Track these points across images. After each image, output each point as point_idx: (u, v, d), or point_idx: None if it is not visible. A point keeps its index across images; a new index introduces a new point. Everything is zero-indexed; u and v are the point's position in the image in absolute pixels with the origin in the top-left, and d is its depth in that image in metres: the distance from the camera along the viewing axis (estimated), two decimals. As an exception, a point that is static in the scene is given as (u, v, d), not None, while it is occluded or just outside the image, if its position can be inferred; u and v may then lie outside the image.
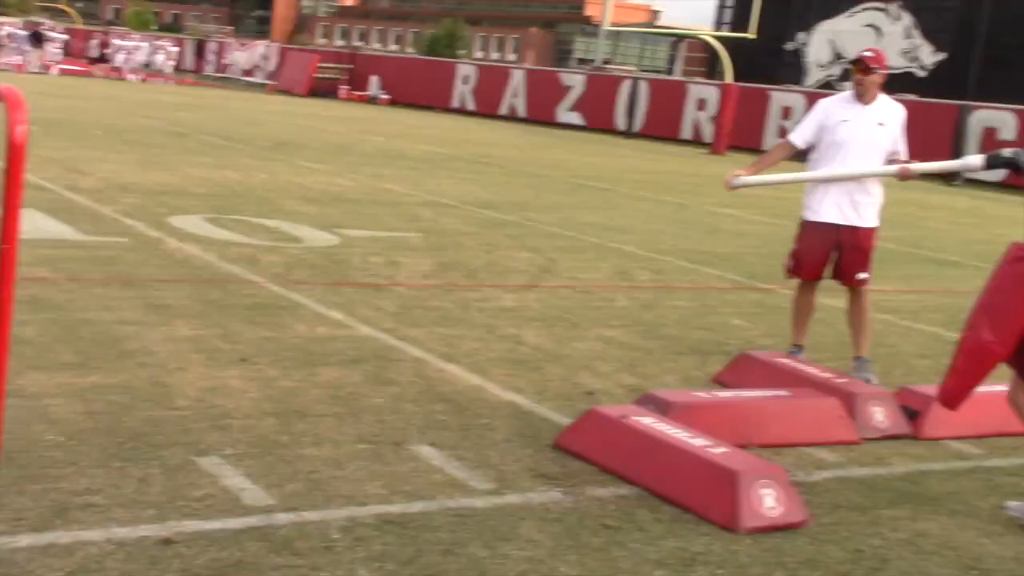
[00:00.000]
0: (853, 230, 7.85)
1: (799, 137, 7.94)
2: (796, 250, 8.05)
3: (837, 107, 7.92)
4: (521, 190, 18.55)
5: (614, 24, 54.69)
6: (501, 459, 5.62)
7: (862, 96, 7.83)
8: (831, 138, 7.80)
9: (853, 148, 7.76)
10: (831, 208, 7.83)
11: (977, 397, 7.07)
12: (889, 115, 7.89)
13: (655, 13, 76.14)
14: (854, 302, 8.01)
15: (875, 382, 7.58)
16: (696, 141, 38.31)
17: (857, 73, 7.81)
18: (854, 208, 7.84)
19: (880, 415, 6.71)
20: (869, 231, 7.91)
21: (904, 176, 7.82)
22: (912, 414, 6.83)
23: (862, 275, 7.91)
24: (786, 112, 36.57)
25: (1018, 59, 43.32)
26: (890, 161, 7.88)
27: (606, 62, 55.15)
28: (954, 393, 5.64)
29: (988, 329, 5.38)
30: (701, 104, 38.97)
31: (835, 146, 7.79)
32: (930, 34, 46.84)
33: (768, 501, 5.07)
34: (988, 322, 5.39)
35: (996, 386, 7.41)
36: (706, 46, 52.31)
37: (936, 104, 34.17)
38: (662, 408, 6.10)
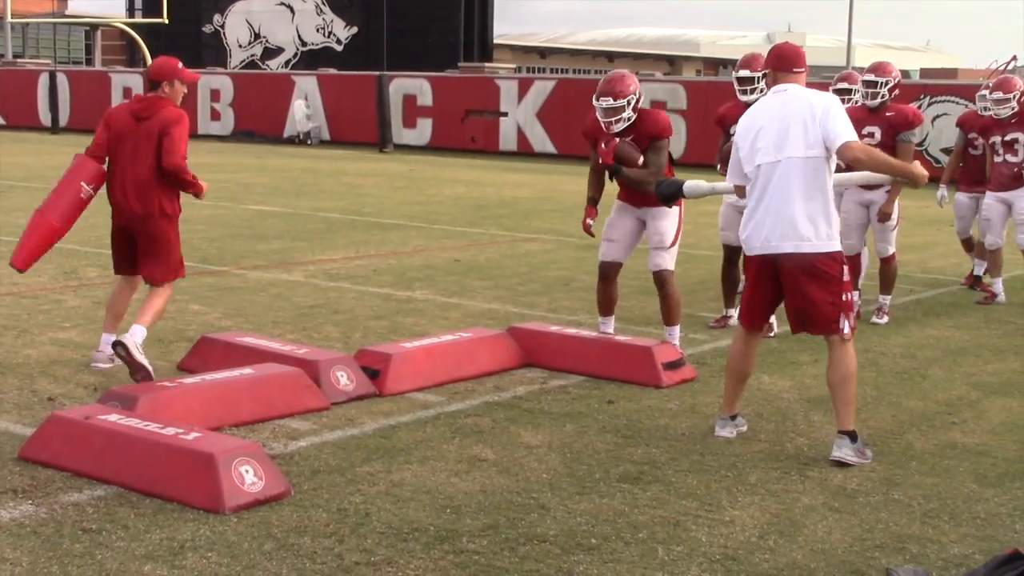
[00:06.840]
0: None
1: None
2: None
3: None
4: (-59, 199, 17.32)
5: (18, 15, 51.98)
6: (-38, 482, 5.30)
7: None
8: None
9: None
10: None
11: (429, 348, 7.51)
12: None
13: (63, 2, 72.83)
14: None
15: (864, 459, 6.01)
16: (128, 131, 37.25)
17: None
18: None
19: (345, 379, 6.93)
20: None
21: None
22: (373, 373, 7.10)
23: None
24: (216, 95, 36.46)
25: (421, 29, 45.61)
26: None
27: (17, 56, 52.21)
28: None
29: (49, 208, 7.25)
30: (127, 93, 37.85)
31: None
32: (339, 9, 48.19)
33: (249, 477, 5.12)
34: (50, 202, 7.28)
35: (445, 336, 7.89)
36: (123, 33, 50.96)
37: (356, 76, 35.43)
38: (128, 403, 5.98)
